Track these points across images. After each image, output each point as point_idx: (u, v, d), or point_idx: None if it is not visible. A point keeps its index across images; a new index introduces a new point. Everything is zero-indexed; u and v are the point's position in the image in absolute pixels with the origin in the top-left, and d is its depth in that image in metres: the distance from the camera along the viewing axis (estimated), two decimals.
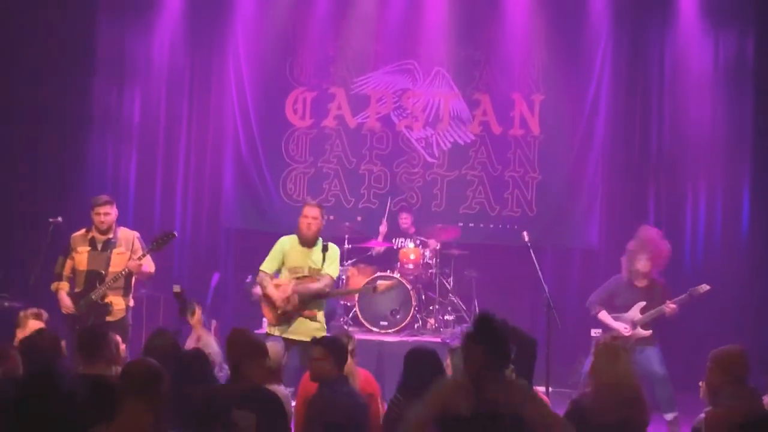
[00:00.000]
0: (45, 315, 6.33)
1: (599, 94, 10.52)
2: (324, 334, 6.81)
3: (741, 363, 4.99)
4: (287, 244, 7.29)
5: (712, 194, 10.27)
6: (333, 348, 5.34)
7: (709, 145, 10.25)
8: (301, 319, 7.09)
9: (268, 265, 7.28)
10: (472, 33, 10.74)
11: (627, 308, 8.08)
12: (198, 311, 6.17)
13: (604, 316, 8.14)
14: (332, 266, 7.28)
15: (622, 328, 7.97)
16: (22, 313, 6.31)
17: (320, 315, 7.21)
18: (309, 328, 7.01)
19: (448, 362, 5.67)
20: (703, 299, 8.17)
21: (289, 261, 7.22)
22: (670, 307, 7.93)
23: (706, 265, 10.03)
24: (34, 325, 6.02)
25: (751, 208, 10.04)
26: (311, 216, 7.20)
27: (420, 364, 5.25)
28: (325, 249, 7.26)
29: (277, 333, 7.07)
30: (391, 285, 8.05)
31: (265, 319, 7.38)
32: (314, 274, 7.16)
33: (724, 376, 4.93)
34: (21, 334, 5.87)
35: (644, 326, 7.98)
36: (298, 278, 7.15)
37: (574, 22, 10.56)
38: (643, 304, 8.02)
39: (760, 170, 10.04)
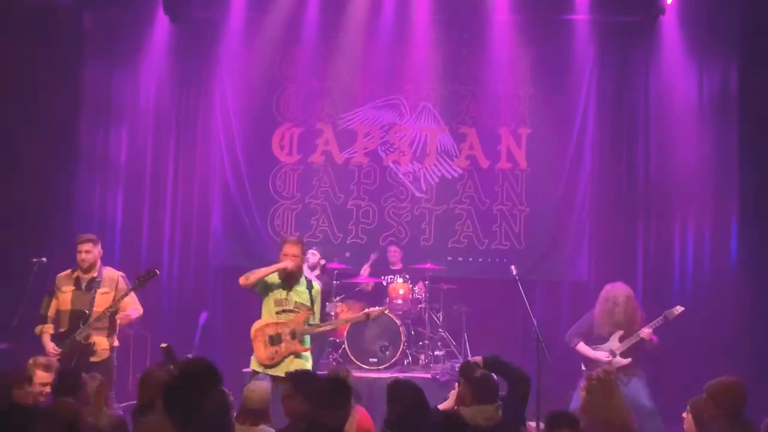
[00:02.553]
0: (55, 365, 6.21)
1: (585, 126, 10.56)
2: (309, 366, 6.98)
3: (737, 395, 4.93)
4: (272, 278, 7.20)
5: (700, 225, 10.27)
6: (301, 384, 5.32)
7: (696, 177, 10.28)
8: (291, 357, 7.03)
9: None
10: (457, 68, 10.80)
11: (605, 339, 8.07)
12: None
13: (582, 347, 8.14)
14: (318, 307, 7.31)
15: (603, 356, 7.95)
16: (31, 361, 6.18)
17: (308, 352, 7.18)
18: (300, 364, 6.95)
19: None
20: (689, 331, 8.14)
21: (273, 295, 7.14)
22: (644, 332, 7.94)
23: (695, 297, 10.00)
24: (41, 377, 5.89)
25: (739, 239, 10.04)
26: (291, 254, 7.14)
27: (400, 397, 5.22)
28: (309, 286, 7.26)
29: (269, 372, 6.94)
30: (383, 310, 7.82)
31: (253, 357, 7.22)
32: (301, 309, 7.12)
33: (718, 409, 4.87)
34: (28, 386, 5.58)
35: (623, 354, 7.96)
36: (284, 312, 7.08)
37: (559, 56, 10.62)
38: (620, 332, 8.02)
39: (747, 201, 10.06)
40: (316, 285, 7.37)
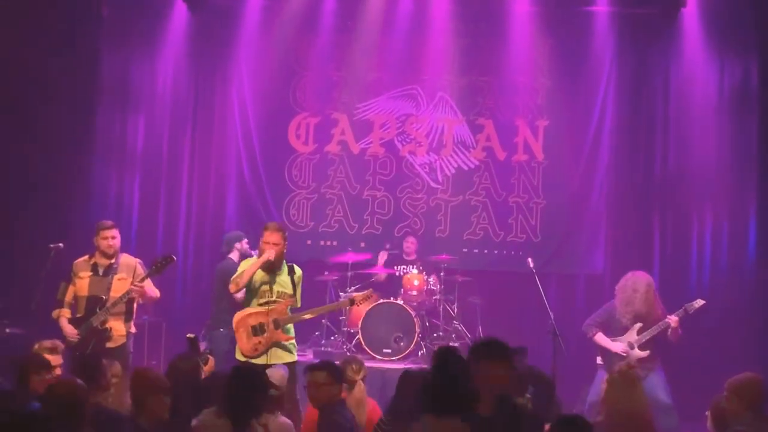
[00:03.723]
0: (60, 347, 6.22)
1: (603, 119, 10.50)
2: (295, 356, 7.02)
3: (759, 391, 4.91)
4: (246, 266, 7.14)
5: (717, 219, 10.20)
6: (336, 372, 5.34)
7: (714, 172, 10.20)
8: (274, 347, 6.97)
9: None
10: (475, 59, 10.76)
11: (624, 330, 8.01)
12: (211, 361, 6.04)
13: (600, 338, 8.08)
14: (299, 292, 7.21)
15: (620, 349, 7.90)
16: (36, 346, 6.19)
17: (293, 340, 7.13)
18: (283, 355, 6.97)
19: None
20: (707, 328, 8.09)
21: (256, 286, 7.04)
22: (672, 319, 7.86)
23: (713, 291, 9.92)
24: (51, 360, 5.89)
25: (757, 234, 9.97)
26: (272, 242, 7.01)
27: (408, 387, 5.21)
28: (291, 271, 7.15)
29: (258, 362, 6.82)
30: (367, 295, 7.69)
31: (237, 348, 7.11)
32: (283, 297, 7.04)
33: (741, 404, 4.85)
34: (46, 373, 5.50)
35: (642, 347, 7.91)
36: (267, 303, 7.00)
37: (578, 48, 10.56)
38: (639, 325, 7.96)
39: (765, 196, 9.98)
40: (298, 270, 7.23)
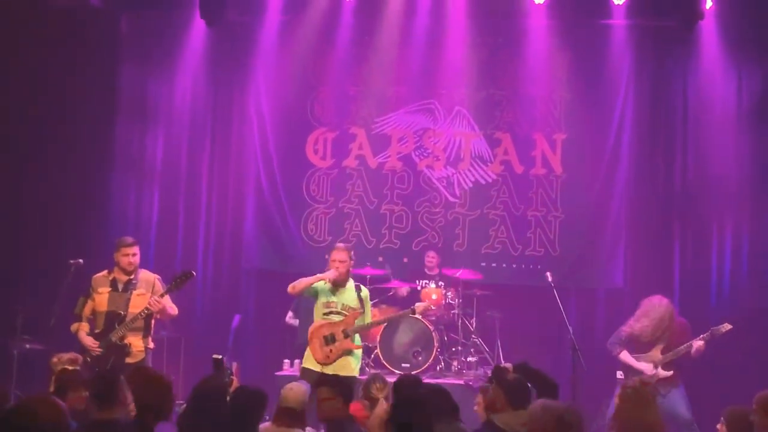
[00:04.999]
0: (79, 359, 6.25)
1: (621, 131, 10.46)
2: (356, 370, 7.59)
3: None
4: (320, 284, 7.70)
5: (738, 233, 10.12)
6: (339, 387, 5.32)
7: (734, 183, 10.14)
8: (344, 355, 7.52)
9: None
10: (492, 72, 10.75)
11: (648, 347, 7.96)
12: (235, 382, 6.06)
13: (625, 356, 8.03)
14: (368, 308, 7.86)
15: (645, 368, 7.85)
16: (55, 359, 6.21)
17: (360, 350, 7.76)
18: (351, 362, 7.55)
19: (478, 400, 5.60)
20: (726, 340, 8.03)
21: (321, 299, 7.67)
22: (697, 343, 7.81)
23: (732, 304, 9.86)
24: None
25: None
26: (338, 260, 7.59)
27: (403, 394, 5.23)
28: (358, 289, 7.77)
29: (325, 370, 7.27)
30: (427, 306, 8.57)
31: (287, 361, 7.84)
32: (348, 310, 7.61)
33: None
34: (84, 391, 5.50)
35: (665, 366, 7.85)
36: (331, 313, 7.61)
37: (595, 60, 10.54)
38: (662, 345, 7.91)
39: None
40: (365, 289, 7.85)
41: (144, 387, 4.71)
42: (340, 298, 7.64)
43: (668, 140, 10.43)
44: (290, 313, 9.72)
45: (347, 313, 7.59)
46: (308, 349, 7.61)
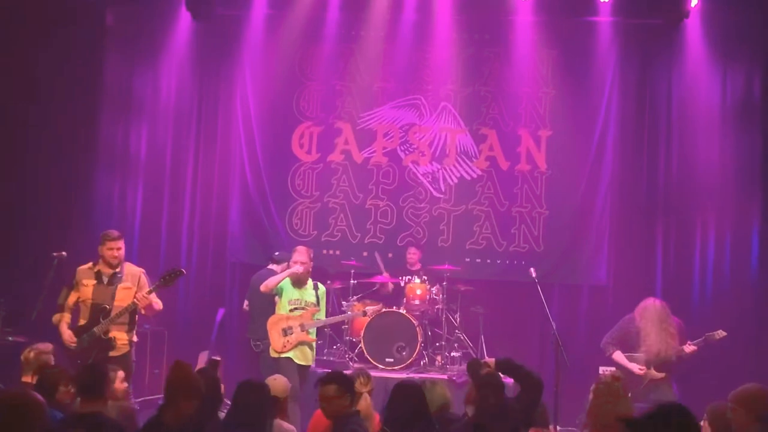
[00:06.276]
0: (50, 347, 6.26)
1: (606, 129, 10.50)
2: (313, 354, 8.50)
3: (765, 401, 4.88)
4: (284, 282, 8.43)
5: (721, 230, 10.18)
6: (345, 384, 5.33)
7: (718, 182, 10.19)
8: (300, 345, 8.31)
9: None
10: (478, 68, 10.76)
11: (639, 346, 8.02)
12: (222, 388, 6.07)
13: (618, 356, 8.11)
14: (323, 305, 8.72)
15: (636, 368, 7.91)
16: (33, 353, 6.22)
17: (314, 342, 8.57)
18: (306, 351, 8.38)
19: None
20: (703, 326, 8.17)
21: (287, 295, 8.40)
22: (690, 348, 7.89)
23: (715, 303, 9.93)
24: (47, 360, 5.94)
25: (760, 244, 9.96)
26: (300, 261, 8.35)
27: (402, 397, 5.26)
28: (316, 288, 8.59)
29: (282, 356, 8.22)
30: (379, 309, 9.25)
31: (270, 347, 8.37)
32: (309, 306, 8.45)
33: (749, 416, 4.81)
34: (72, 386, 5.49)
35: (658, 368, 7.90)
36: (296, 309, 8.38)
37: (581, 58, 10.57)
38: (662, 345, 7.97)
39: None
40: (322, 287, 8.72)
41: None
42: (302, 295, 8.43)
43: (653, 137, 10.47)
44: (246, 302, 9.53)
45: (308, 309, 8.40)
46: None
